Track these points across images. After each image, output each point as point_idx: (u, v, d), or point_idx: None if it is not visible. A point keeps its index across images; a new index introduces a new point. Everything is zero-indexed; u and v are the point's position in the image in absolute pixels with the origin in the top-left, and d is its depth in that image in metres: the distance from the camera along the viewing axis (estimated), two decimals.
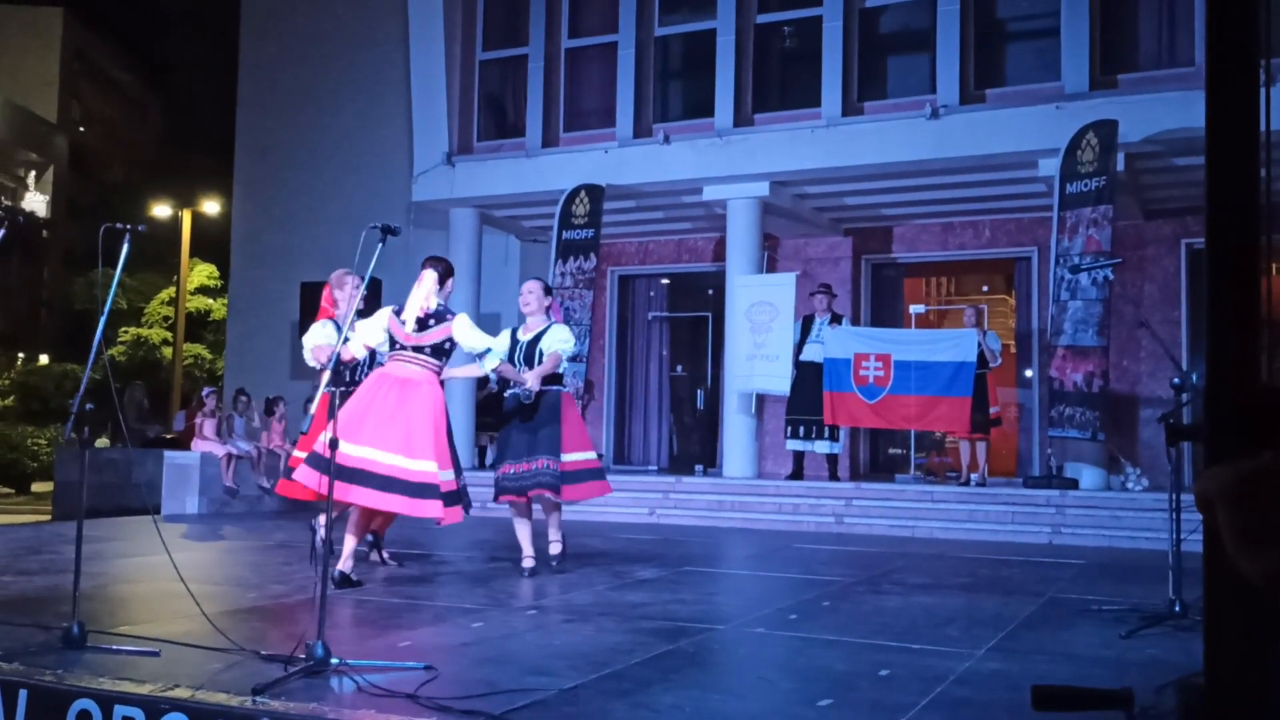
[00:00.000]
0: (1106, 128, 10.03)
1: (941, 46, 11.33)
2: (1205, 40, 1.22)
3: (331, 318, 6.85)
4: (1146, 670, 4.05)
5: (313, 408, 4.70)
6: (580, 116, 13.45)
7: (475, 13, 13.94)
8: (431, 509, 5.70)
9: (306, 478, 5.68)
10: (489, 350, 6.16)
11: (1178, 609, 4.99)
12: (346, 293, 6.71)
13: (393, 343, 5.98)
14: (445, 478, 5.78)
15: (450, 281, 6.14)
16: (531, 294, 6.56)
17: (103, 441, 13.95)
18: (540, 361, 6.34)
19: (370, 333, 6.00)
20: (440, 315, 5.94)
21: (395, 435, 5.66)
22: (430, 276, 5.99)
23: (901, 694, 3.66)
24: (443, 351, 5.94)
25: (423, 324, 5.90)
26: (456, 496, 5.89)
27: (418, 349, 5.87)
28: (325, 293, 7.04)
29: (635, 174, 12.30)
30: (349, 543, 6.01)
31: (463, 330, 5.94)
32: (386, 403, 5.75)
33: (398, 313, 5.96)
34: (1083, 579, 6.99)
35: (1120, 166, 10.10)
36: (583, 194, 12.31)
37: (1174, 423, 4.75)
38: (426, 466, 5.67)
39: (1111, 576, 7.11)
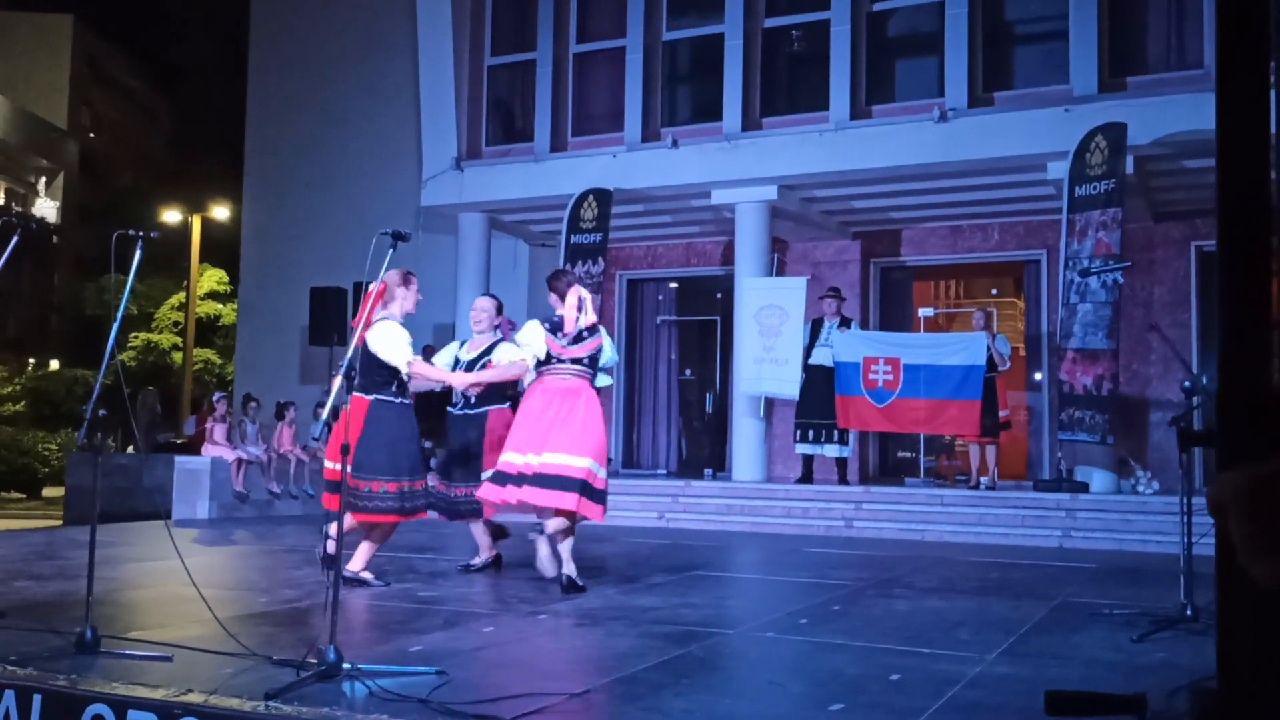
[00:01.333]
0: (1115, 130, 10.02)
1: (949, 49, 11.32)
2: (1215, 42, 1.22)
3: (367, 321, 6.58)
4: (1158, 674, 4.04)
5: (325, 413, 4.71)
6: (588, 121, 13.47)
7: (484, 18, 13.98)
8: (592, 510, 6.05)
9: (490, 493, 6.07)
10: (612, 361, 6.57)
11: (1189, 613, 4.98)
12: (411, 292, 6.48)
13: (548, 357, 6.25)
14: (600, 475, 6.12)
15: None
16: (483, 312, 6.88)
17: (131, 450, 14.00)
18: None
19: (538, 344, 6.21)
20: (593, 329, 6.34)
21: (568, 438, 6.03)
22: (580, 293, 6.31)
23: (912, 698, 3.66)
24: (595, 361, 6.33)
25: (578, 338, 6.28)
26: (603, 495, 6.20)
27: (575, 360, 6.24)
28: (379, 289, 6.71)
29: (643, 178, 12.31)
30: (553, 549, 6.21)
31: (607, 343, 6.43)
32: (560, 411, 6.08)
33: (553, 329, 6.22)
34: (1093, 583, 6.98)
35: (1129, 169, 10.08)
36: (591, 198, 12.32)
37: (1186, 427, 4.75)
38: (587, 464, 6.01)
39: (1122, 580, 7.10)
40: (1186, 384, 5.50)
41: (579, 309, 6.26)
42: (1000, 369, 10.70)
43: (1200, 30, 10.74)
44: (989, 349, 10.40)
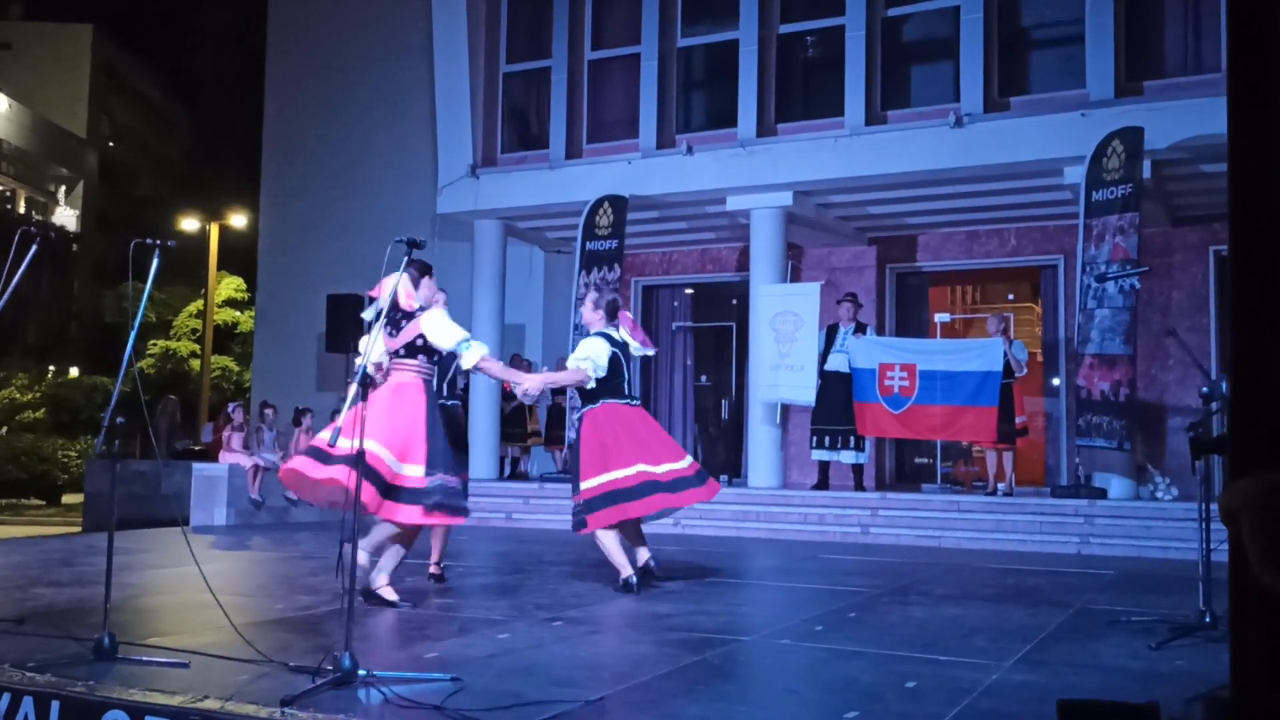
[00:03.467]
0: (1132, 134, 9.97)
1: (965, 54, 11.29)
2: (1227, 46, 1.22)
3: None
4: (1176, 682, 4.02)
5: (341, 418, 4.72)
6: (603, 128, 13.49)
7: (499, 25, 14.02)
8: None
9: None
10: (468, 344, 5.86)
11: (1208, 620, 4.95)
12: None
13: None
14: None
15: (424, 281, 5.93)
16: (584, 307, 6.72)
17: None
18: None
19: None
20: (411, 315, 5.81)
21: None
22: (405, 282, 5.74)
23: (928, 706, 3.65)
24: (417, 350, 5.78)
25: (396, 325, 5.79)
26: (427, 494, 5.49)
27: (394, 353, 5.80)
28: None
29: (658, 185, 12.32)
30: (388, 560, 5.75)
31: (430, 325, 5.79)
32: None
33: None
34: (1111, 589, 6.94)
35: (1147, 173, 10.03)
36: (606, 205, 12.33)
37: (1199, 434, 4.72)
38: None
39: (1141, 587, 7.06)
40: (1205, 390, 5.46)
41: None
42: (1017, 375, 10.65)
43: (1218, 33, 10.68)
44: (1006, 354, 10.36)
